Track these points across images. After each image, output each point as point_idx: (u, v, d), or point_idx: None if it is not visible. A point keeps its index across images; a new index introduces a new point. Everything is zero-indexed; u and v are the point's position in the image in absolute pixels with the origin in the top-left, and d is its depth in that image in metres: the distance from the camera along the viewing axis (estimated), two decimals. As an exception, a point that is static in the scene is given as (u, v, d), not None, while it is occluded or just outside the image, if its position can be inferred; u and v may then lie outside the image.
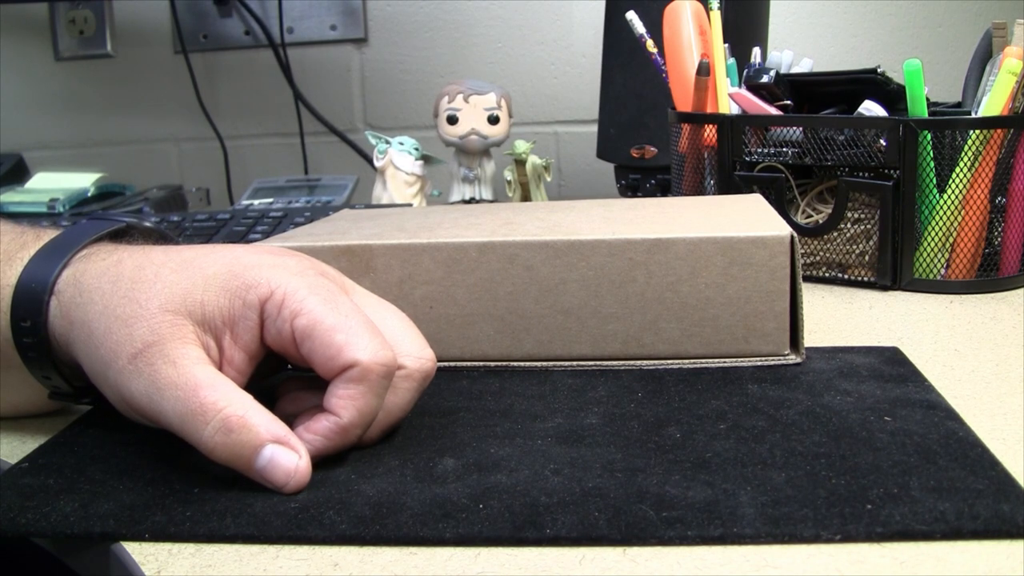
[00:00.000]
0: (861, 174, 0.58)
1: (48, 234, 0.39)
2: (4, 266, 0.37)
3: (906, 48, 1.03)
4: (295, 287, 0.34)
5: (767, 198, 0.55)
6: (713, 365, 0.43)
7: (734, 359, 0.44)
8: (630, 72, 0.84)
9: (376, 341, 0.34)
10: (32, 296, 0.36)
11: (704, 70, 0.65)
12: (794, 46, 0.78)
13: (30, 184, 0.96)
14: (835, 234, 0.59)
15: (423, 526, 0.29)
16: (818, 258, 0.61)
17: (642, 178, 0.86)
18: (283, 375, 0.40)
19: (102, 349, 0.34)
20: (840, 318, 0.52)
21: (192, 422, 0.32)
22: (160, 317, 0.34)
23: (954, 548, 0.27)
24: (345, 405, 0.33)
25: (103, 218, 0.40)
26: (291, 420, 0.34)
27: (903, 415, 0.36)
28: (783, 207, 0.61)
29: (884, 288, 0.58)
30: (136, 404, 0.34)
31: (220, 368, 0.34)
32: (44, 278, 0.36)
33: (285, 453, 0.32)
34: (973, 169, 0.55)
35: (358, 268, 0.45)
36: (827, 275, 0.61)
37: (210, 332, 0.34)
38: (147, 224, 0.42)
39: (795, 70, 0.70)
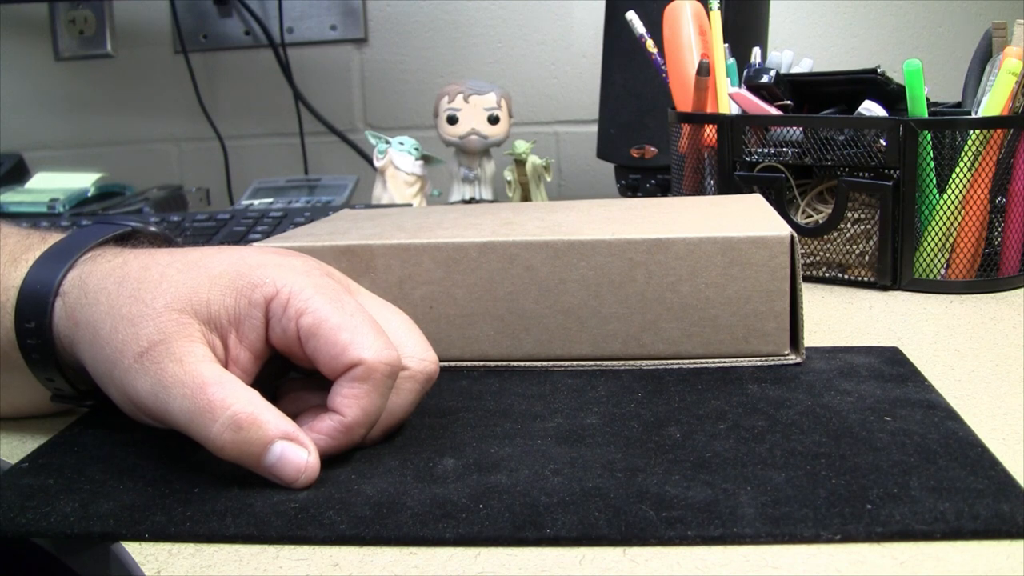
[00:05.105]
0: (861, 174, 0.58)
1: (53, 237, 0.39)
2: (9, 268, 0.37)
3: (906, 48, 1.03)
4: (301, 286, 0.34)
5: (767, 198, 0.55)
6: (713, 365, 0.43)
7: (734, 359, 0.44)
8: (630, 72, 0.84)
9: (381, 340, 0.34)
10: (37, 298, 0.36)
11: (704, 70, 0.65)
12: (794, 46, 0.78)
13: (30, 184, 0.96)
14: (835, 234, 0.59)
15: (423, 526, 0.29)
16: (818, 258, 0.61)
17: (642, 178, 0.86)
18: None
19: (108, 349, 0.34)
20: (840, 318, 0.52)
21: (200, 420, 0.32)
22: (166, 316, 0.34)
23: (954, 548, 0.27)
24: (349, 404, 0.33)
25: (109, 222, 0.41)
26: (293, 420, 0.34)
27: (903, 415, 0.36)
28: (783, 207, 0.61)
29: (884, 288, 0.58)
30: (142, 403, 0.34)
31: (226, 367, 0.34)
32: (49, 280, 0.36)
33: (295, 449, 0.32)
34: (973, 169, 0.55)
35: (358, 268, 0.45)
36: (827, 275, 0.61)
37: (216, 331, 0.34)
38: (152, 229, 0.42)
39: (795, 70, 0.70)
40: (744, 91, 0.64)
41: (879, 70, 0.60)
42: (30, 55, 1.19)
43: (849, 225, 0.59)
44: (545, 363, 0.45)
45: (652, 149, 0.83)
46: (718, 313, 0.43)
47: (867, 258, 0.59)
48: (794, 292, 0.43)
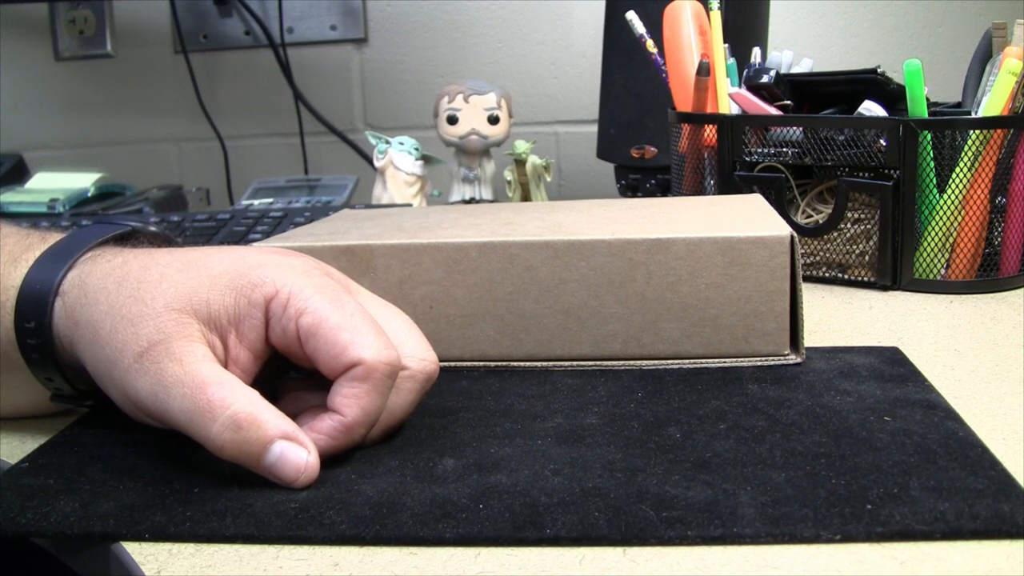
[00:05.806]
0: (861, 174, 0.58)
1: (53, 236, 0.39)
2: (9, 268, 0.37)
3: (906, 48, 1.03)
4: (300, 286, 0.34)
5: (767, 198, 0.55)
6: (713, 365, 0.43)
7: (734, 359, 0.44)
8: (630, 72, 0.84)
9: (381, 340, 0.34)
10: (37, 297, 0.36)
11: (704, 70, 0.65)
12: (794, 46, 0.78)
13: (30, 184, 0.96)
14: (835, 234, 0.59)
15: (423, 526, 0.29)
16: (818, 258, 0.61)
17: (642, 178, 0.86)
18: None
19: (107, 348, 0.34)
20: (840, 318, 0.52)
21: (199, 420, 0.32)
22: (166, 316, 0.34)
23: (954, 548, 0.27)
24: (349, 404, 0.33)
25: (109, 222, 0.41)
26: (293, 420, 0.34)
27: (903, 415, 0.36)
28: (783, 207, 0.61)
29: (884, 288, 0.58)
30: (142, 403, 0.34)
31: (225, 367, 0.34)
32: (49, 280, 0.36)
33: (295, 449, 0.32)
34: (973, 169, 0.55)
35: (358, 268, 0.45)
36: (827, 275, 0.61)
37: (216, 331, 0.34)
38: (152, 228, 0.42)
39: (795, 70, 0.70)
40: (744, 91, 0.64)
41: (879, 70, 0.60)
42: (30, 55, 1.19)
43: (849, 225, 0.59)
44: (545, 363, 0.45)
45: (652, 149, 0.83)
46: (718, 313, 0.43)
47: (867, 258, 0.59)
48: (794, 292, 0.43)
